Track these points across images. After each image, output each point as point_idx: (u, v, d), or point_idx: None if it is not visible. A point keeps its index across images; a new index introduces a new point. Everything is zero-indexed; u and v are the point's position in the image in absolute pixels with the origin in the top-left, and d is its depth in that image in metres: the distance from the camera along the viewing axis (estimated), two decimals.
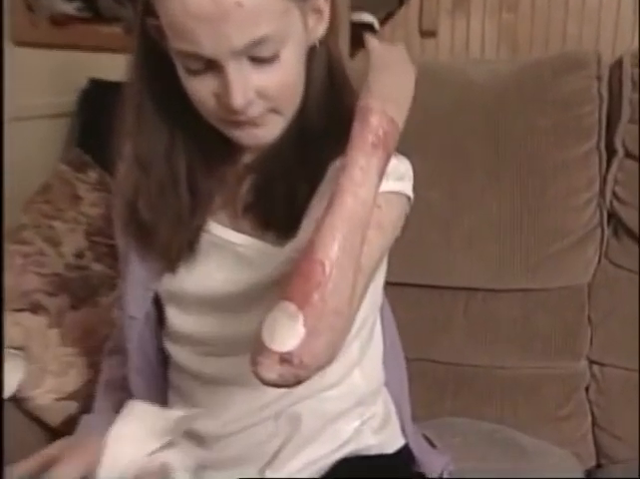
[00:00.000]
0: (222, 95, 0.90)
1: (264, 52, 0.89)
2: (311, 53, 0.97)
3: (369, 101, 0.87)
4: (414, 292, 1.61)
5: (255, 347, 0.80)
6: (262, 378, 0.80)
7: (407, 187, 1.01)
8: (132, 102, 1.02)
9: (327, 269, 0.80)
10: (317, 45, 0.97)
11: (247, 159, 1.05)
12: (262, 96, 0.92)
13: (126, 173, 1.05)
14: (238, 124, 0.94)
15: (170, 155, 1.02)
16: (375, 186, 0.85)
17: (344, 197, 0.82)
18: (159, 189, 1.02)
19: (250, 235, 1.01)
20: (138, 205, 1.03)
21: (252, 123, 0.94)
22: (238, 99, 0.89)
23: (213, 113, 0.93)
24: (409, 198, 1.02)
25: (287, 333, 0.78)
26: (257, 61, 0.89)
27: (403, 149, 1.04)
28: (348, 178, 0.83)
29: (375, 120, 0.85)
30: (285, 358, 0.78)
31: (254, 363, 0.80)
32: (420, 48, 2.57)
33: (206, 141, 1.02)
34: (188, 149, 1.02)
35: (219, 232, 1.04)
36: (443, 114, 1.59)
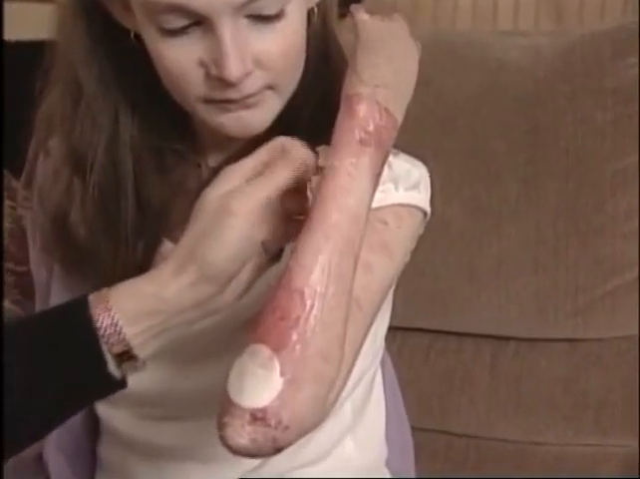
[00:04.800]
0: (212, 62, 0.94)
1: (268, 8, 0.94)
2: (307, 20, 1.02)
3: (356, 87, 0.90)
4: (423, 340, 1.68)
5: (221, 406, 0.83)
6: (230, 445, 0.82)
7: (422, 199, 1.07)
8: (61, 74, 1.05)
9: (307, 301, 0.82)
10: (315, 9, 1.03)
11: (214, 159, 1.09)
12: (261, 65, 0.96)
13: (54, 173, 1.09)
14: (226, 104, 0.97)
15: (114, 149, 1.06)
16: (368, 194, 0.88)
17: (327, 209, 0.85)
18: (98, 195, 1.06)
19: None
20: (70, 217, 1.07)
21: (244, 103, 0.97)
22: (236, 67, 0.93)
23: (193, 88, 0.96)
24: (425, 213, 1.08)
25: (259, 385, 0.81)
26: (258, 20, 0.94)
27: (413, 152, 1.10)
28: (331, 185, 0.86)
29: (363, 110, 0.89)
30: (258, 417, 0.81)
31: (221, 426, 0.83)
32: (432, 14, 2.61)
33: (162, 132, 1.07)
34: (137, 143, 1.06)
35: None
36: (464, 105, 1.66)
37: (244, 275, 0.88)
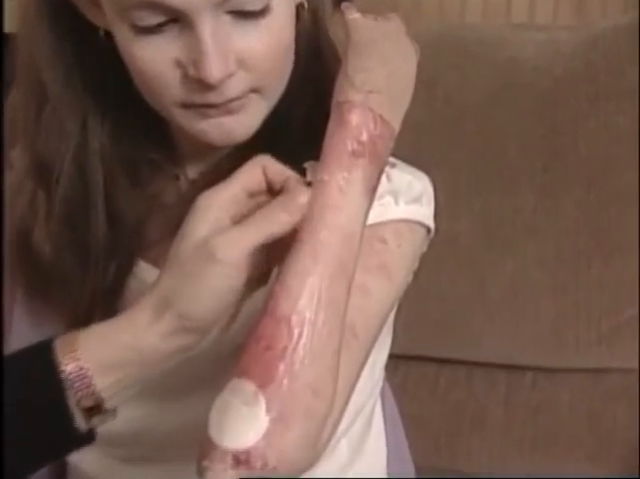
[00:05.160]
0: (190, 63, 0.94)
1: (252, 3, 0.94)
2: (296, 16, 1.02)
3: (347, 94, 0.91)
4: (429, 371, 1.68)
5: (201, 447, 0.83)
6: None
7: (425, 213, 1.07)
8: (23, 75, 1.06)
9: (295, 329, 0.83)
10: (305, 4, 1.03)
11: (194, 170, 1.10)
12: (244, 66, 0.96)
13: (17, 186, 1.09)
14: (207, 109, 0.98)
15: (82, 159, 1.06)
16: (361, 210, 0.89)
17: (316, 228, 0.86)
18: (64, 210, 1.06)
19: None
20: (33, 234, 1.07)
21: (226, 108, 0.98)
22: (216, 68, 0.92)
23: (170, 92, 0.97)
24: (428, 229, 1.09)
25: (243, 424, 0.81)
26: (240, 16, 0.94)
27: (416, 161, 1.11)
28: (321, 201, 0.87)
29: (355, 119, 0.90)
30: (242, 459, 0.81)
31: (201, 470, 0.83)
32: (438, 6, 2.63)
33: (136, 140, 1.07)
34: (108, 152, 1.07)
35: (153, 277, 1.07)
36: (473, 108, 1.67)
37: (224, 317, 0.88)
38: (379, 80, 0.93)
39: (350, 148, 0.89)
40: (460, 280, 1.65)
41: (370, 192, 0.90)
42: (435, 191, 1.12)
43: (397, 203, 1.04)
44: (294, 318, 0.83)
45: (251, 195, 0.88)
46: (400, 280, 1.04)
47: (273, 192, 0.89)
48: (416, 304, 1.55)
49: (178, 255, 0.86)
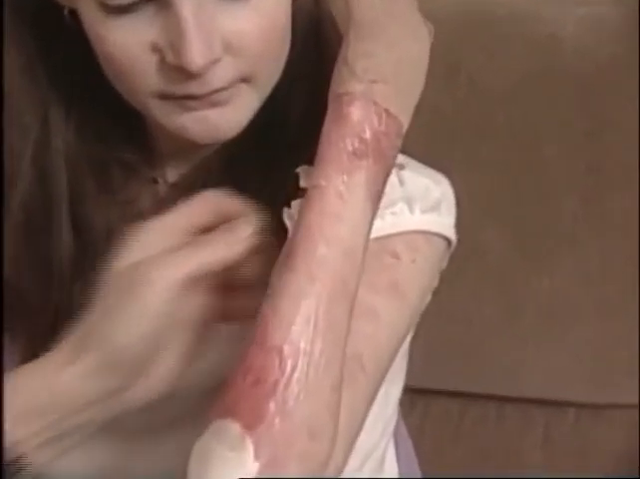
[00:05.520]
0: (169, 47, 0.94)
1: None
2: None
3: (347, 84, 0.92)
4: (452, 407, 1.70)
5: None
6: None
7: (444, 223, 1.09)
8: None
9: (288, 361, 0.83)
10: None
11: (174, 172, 1.12)
12: (232, 51, 0.97)
13: None
14: (188, 101, 0.98)
15: (43, 159, 1.07)
16: (365, 220, 0.90)
17: (312, 241, 0.86)
18: (23, 220, 1.08)
19: None
20: None
21: (211, 100, 0.98)
22: (199, 53, 0.93)
23: (145, 81, 0.97)
24: (449, 241, 1.10)
25: (228, 472, 0.81)
26: None
27: (434, 160, 1.12)
28: (317, 210, 0.87)
29: (357, 113, 0.90)
30: None
31: None
32: None
33: (107, 138, 1.09)
34: (74, 151, 1.08)
35: None
36: (505, 97, 1.68)
37: (169, 360, 0.90)
38: (384, 67, 0.93)
39: (350, 147, 0.89)
40: (488, 301, 1.66)
41: (374, 198, 0.90)
42: (456, 196, 1.13)
43: (411, 211, 1.05)
44: (287, 348, 0.83)
45: (199, 229, 0.91)
46: (415, 301, 1.05)
47: None
48: (436, 329, 1.57)
49: (105, 285, 0.88)
